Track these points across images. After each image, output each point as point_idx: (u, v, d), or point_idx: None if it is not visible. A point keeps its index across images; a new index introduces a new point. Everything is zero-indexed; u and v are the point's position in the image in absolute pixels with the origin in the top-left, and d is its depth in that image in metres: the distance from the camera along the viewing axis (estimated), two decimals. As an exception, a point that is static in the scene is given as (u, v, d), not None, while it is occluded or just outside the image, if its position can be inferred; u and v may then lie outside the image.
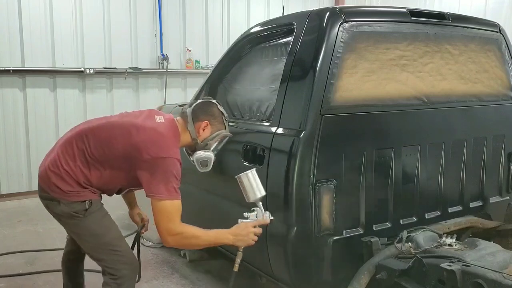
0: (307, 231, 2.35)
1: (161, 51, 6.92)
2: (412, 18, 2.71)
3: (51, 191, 2.35)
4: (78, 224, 2.37)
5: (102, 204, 2.48)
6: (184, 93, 7.23)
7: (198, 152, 2.55)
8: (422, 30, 2.73)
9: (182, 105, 3.87)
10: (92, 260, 2.50)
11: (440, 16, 2.86)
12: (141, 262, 3.57)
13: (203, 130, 2.53)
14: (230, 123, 3.05)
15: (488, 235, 2.80)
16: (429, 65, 2.74)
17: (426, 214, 2.77)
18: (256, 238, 2.32)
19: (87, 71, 6.35)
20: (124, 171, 2.34)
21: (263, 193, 2.32)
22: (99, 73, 6.50)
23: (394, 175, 2.60)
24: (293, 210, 2.33)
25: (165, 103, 6.53)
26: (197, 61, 7.26)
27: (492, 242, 2.37)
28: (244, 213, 2.37)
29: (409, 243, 2.33)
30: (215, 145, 2.58)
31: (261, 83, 2.90)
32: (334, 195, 2.36)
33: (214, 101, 2.65)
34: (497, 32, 3.14)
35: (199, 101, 2.63)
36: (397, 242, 2.35)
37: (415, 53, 2.68)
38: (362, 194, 2.50)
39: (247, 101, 3.00)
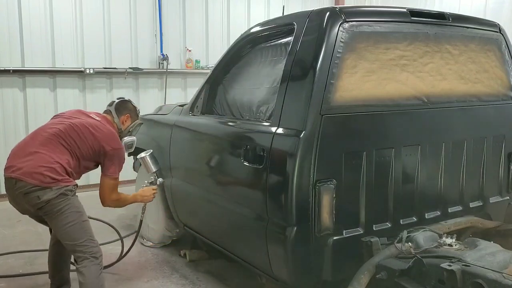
0: (307, 231, 2.35)
1: (161, 51, 6.92)
2: (412, 18, 2.71)
3: (43, 183, 2.71)
4: (65, 202, 2.76)
5: None
6: (184, 93, 7.23)
7: (124, 138, 3.31)
8: (422, 30, 2.73)
9: (182, 105, 3.88)
10: (68, 248, 2.88)
11: (440, 16, 2.86)
12: (141, 262, 3.61)
13: (125, 121, 3.32)
14: (229, 123, 3.07)
15: (488, 235, 2.80)
16: (429, 65, 2.74)
17: (426, 214, 2.77)
18: (154, 196, 3.47)
19: (87, 71, 6.34)
20: (92, 160, 3.01)
21: (159, 167, 3.69)
22: (99, 73, 6.49)
23: (394, 175, 2.60)
24: (293, 210, 2.33)
25: (165, 103, 6.53)
26: (197, 61, 7.26)
27: (492, 242, 2.37)
28: (145, 181, 3.63)
29: (409, 243, 2.33)
30: (133, 131, 3.41)
31: (261, 83, 2.90)
32: (334, 195, 2.36)
33: (126, 98, 3.46)
34: (497, 32, 3.14)
35: (117, 100, 3.38)
36: (397, 242, 2.35)
37: (415, 53, 2.68)
38: (362, 194, 2.50)
39: (247, 101, 3.00)
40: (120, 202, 3.19)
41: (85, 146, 2.92)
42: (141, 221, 3.76)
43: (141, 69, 6.75)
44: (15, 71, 5.98)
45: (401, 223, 2.66)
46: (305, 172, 2.31)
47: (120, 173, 3.09)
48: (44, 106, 6.24)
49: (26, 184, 2.71)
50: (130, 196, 3.30)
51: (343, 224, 2.45)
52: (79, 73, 6.38)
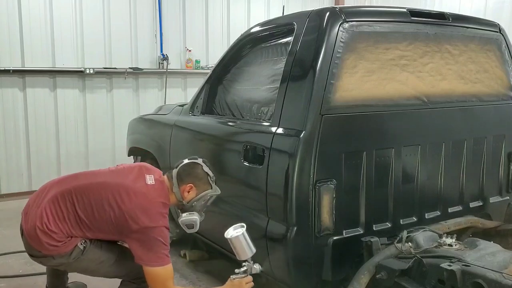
0: (307, 231, 2.35)
1: (161, 51, 6.92)
2: (412, 18, 2.71)
3: (43, 250, 2.37)
4: (82, 263, 2.41)
5: None
6: (184, 93, 7.23)
7: (183, 214, 2.60)
8: (422, 30, 2.73)
9: (182, 105, 3.88)
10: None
11: (440, 16, 2.86)
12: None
13: (188, 192, 2.56)
14: (229, 123, 3.06)
15: (488, 235, 2.80)
16: (429, 65, 2.74)
17: (426, 214, 2.77)
18: None
19: (87, 71, 6.34)
20: (113, 234, 2.42)
21: (254, 250, 2.42)
22: (99, 73, 6.49)
23: (394, 175, 2.60)
24: (293, 210, 2.33)
25: (165, 103, 6.53)
26: (197, 61, 7.26)
27: (492, 242, 2.37)
28: (235, 270, 2.49)
29: (409, 243, 2.33)
30: (201, 205, 2.62)
31: (261, 83, 2.90)
32: (334, 195, 2.36)
33: (199, 161, 2.66)
34: (497, 32, 3.14)
35: (184, 162, 2.65)
36: (397, 242, 2.35)
37: (415, 53, 2.68)
38: (362, 194, 2.50)
39: (247, 101, 3.00)
40: None
41: (104, 216, 2.34)
42: None
43: (141, 69, 6.75)
44: (15, 71, 5.98)
45: (401, 223, 2.65)
46: (305, 172, 2.31)
47: (168, 259, 2.37)
48: (44, 106, 6.24)
49: (29, 245, 2.41)
50: None
51: (343, 224, 2.45)
52: (79, 73, 6.38)
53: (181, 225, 2.62)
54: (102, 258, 2.44)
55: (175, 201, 2.58)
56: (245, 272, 2.47)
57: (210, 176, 2.62)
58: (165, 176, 2.60)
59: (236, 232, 2.39)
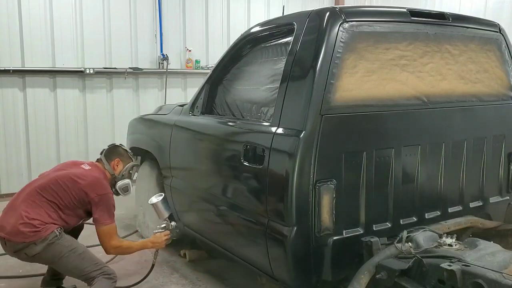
0: (307, 231, 2.35)
1: (161, 51, 6.92)
2: (412, 18, 2.71)
3: (26, 239, 2.81)
4: (56, 247, 2.86)
5: None
6: (184, 93, 7.23)
7: (118, 182, 3.33)
8: (422, 30, 2.73)
9: (182, 105, 3.88)
10: (80, 279, 2.99)
11: (440, 16, 2.86)
12: (141, 262, 3.60)
13: (117, 165, 3.34)
14: (229, 123, 3.07)
15: (488, 235, 2.80)
16: (429, 65, 2.74)
17: (426, 214, 2.77)
18: (166, 242, 3.34)
19: (87, 71, 6.34)
20: (80, 208, 3.04)
21: (170, 212, 3.44)
22: (99, 73, 6.49)
23: (394, 175, 2.60)
24: (293, 210, 2.33)
25: (165, 103, 6.53)
26: (197, 61, 7.26)
27: (492, 242, 2.37)
28: (157, 226, 3.42)
29: (409, 243, 2.33)
30: (129, 174, 3.41)
31: (261, 83, 2.90)
32: (334, 195, 2.36)
33: (117, 143, 3.52)
34: (497, 32, 3.14)
35: (107, 147, 3.43)
36: (397, 242, 2.34)
37: (415, 53, 2.68)
38: (362, 194, 2.50)
39: (247, 101, 3.00)
40: (124, 249, 3.16)
41: (68, 197, 2.95)
42: (153, 265, 3.46)
43: (141, 69, 6.75)
44: (15, 71, 5.98)
45: (401, 223, 2.65)
46: (305, 172, 2.31)
47: (114, 218, 3.06)
48: (44, 106, 6.25)
49: (13, 243, 2.85)
50: (137, 242, 3.33)
51: (343, 224, 2.45)
52: (79, 73, 6.38)
53: (119, 191, 3.32)
54: (74, 245, 2.93)
55: (109, 176, 3.28)
56: (164, 228, 3.37)
57: (129, 152, 3.48)
58: (96, 162, 3.33)
59: (156, 199, 3.36)
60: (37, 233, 2.81)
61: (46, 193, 2.95)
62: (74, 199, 2.97)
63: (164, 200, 3.40)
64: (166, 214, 3.38)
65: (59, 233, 2.89)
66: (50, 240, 2.83)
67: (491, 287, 1.89)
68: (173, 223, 3.43)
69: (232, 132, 3.03)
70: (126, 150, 3.45)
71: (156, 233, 3.34)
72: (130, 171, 3.42)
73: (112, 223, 3.03)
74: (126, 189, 3.36)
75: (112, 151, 3.39)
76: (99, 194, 3.00)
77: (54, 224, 2.89)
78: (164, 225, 3.39)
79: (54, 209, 2.94)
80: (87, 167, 3.18)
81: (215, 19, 7.44)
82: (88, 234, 3.58)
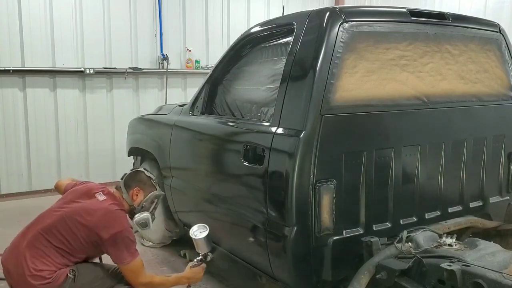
0: (307, 231, 2.35)
1: (161, 51, 6.92)
2: (412, 18, 2.71)
3: None
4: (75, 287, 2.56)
5: None
6: (184, 93, 7.23)
7: (135, 216, 2.88)
8: (422, 30, 2.73)
9: (182, 105, 3.88)
10: None
11: (440, 16, 2.86)
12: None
13: (137, 195, 2.89)
14: (229, 123, 3.06)
15: (488, 235, 2.80)
16: (429, 65, 2.74)
17: (426, 214, 2.77)
18: (202, 275, 2.91)
19: (87, 71, 6.35)
20: (91, 250, 2.67)
21: (212, 246, 2.90)
22: (99, 73, 6.49)
23: (394, 175, 2.60)
24: (293, 210, 2.33)
25: (166, 103, 6.53)
26: (197, 61, 7.26)
27: (492, 242, 2.37)
28: (194, 259, 2.91)
29: (409, 243, 2.33)
30: (150, 205, 2.94)
31: (261, 83, 2.90)
32: (334, 195, 2.35)
33: (141, 169, 3.07)
34: (497, 32, 3.14)
35: (128, 172, 3.02)
36: (397, 242, 2.34)
37: (415, 53, 2.68)
38: (362, 194, 2.50)
39: (247, 101, 3.00)
40: (156, 286, 2.74)
41: (78, 240, 2.59)
42: None
43: (141, 69, 6.76)
44: (15, 71, 5.98)
45: (401, 223, 2.65)
46: (305, 172, 2.31)
47: (136, 252, 2.66)
48: (44, 106, 6.25)
49: None
50: (171, 278, 2.82)
51: (343, 224, 2.45)
52: (79, 73, 6.39)
53: (136, 226, 2.88)
54: (93, 277, 2.65)
55: (128, 207, 2.86)
56: (201, 260, 2.88)
57: (152, 179, 2.99)
58: (114, 189, 2.91)
59: (200, 234, 2.84)
60: (49, 284, 2.50)
61: (52, 237, 2.57)
62: (85, 242, 2.60)
63: (208, 235, 2.85)
64: (207, 250, 2.88)
65: (74, 275, 2.58)
66: (66, 287, 2.54)
67: (491, 287, 1.89)
68: (210, 254, 2.91)
69: (232, 132, 3.03)
70: (149, 177, 2.98)
71: (192, 266, 2.87)
72: (152, 202, 2.95)
73: (133, 260, 2.62)
74: (144, 225, 2.89)
75: (132, 178, 2.94)
76: (113, 234, 2.58)
77: (66, 266, 2.58)
78: (201, 257, 2.90)
79: (62, 255, 2.58)
80: (101, 197, 2.74)
81: (215, 19, 7.45)
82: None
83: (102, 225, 2.58)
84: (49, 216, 2.69)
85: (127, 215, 2.80)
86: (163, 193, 2.98)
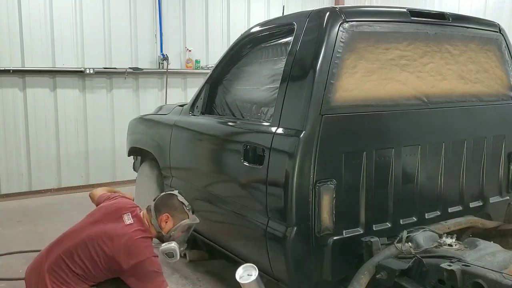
0: (307, 231, 2.35)
1: (161, 51, 6.92)
2: (412, 18, 2.71)
3: None
4: None
5: None
6: (184, 93, 7.23)
7: (162, 245, 2.69)
8: (422, 30, 2.73)
9: (182, 105, 3.88)
10: None
11: (440, 16, 2.86)
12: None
13: (165, 222, 2.67)
14: (229, 123, 3.06)
15: (488, 235, 2.80)
16: (429, 65, 2.74)
17: (426, 214, 2.77)
18: None
19: (87, 71, 6.35)
20: (110, 277, 2.55)
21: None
22: (99, 73, 6.49)
23: (394, 175, 2.60)
24: (293, 210, 2.33)
25: (166, 103, 6.53)
26: (197, 61, 7.26)
27: (492, 242, 2.37)
28: None
29: (409, 243, 2.33)
30: (181, 235, 2.74)
31: (261, 83, 2.90)
32: (334, 195, 2.35)
33: (175, 192, 2.79)
34: (497, 32, 3.14)
35: (161, 194, 2.80)
36: (397, 242, 2.35)
37: (415, 53, 2.68)
38: (362, 194, 2.50)
39: (247, 101, 3.00)
40: None
41: (98, 268, 2.48)
42: None
43: (141, 69, 6.76)
44: (15, 71, 5.98)
45: (401, 223, 2.65)
46: (305, 172, 2.31)
47: (165, 284, 2.52)
48: (44, 106, 6.25)
49: None
50: None
51: (343, 224, 2.45)
52: (79, 73, 6.39)
53: (161, 255, 2.69)
54: None
55: (155, 234, 2.68)
56: None
57: (185, 205, 2.73)
58: (145, 209, 2.73)
59: (249, 277, 2.35)
60: None
61: (73, 262, 2.48)
62: (105, 269, 2.49)
63: (258, 276, 2.35)
64: None
65: None
66: None
67: (491, 287, 1.89)
68: None
69: (232, 132, 3.03)
70: (182, 202, 2.73)
71: None
72: (182, 231, 2.74)
73: None
74: (170, 255, 2.68)
75: (163, 202, 2.72)
76: (133, 264, 2.43)
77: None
78: None
79: (82, 281, 2.50)
80: (128, 221, 2.59)
81: (215, 19, 7.45)
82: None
83: (123, 254, 2.44)
84: (73, 236, 2.58)
85: (152, 243, 2.63)
86: (196, 221, 2.77)
